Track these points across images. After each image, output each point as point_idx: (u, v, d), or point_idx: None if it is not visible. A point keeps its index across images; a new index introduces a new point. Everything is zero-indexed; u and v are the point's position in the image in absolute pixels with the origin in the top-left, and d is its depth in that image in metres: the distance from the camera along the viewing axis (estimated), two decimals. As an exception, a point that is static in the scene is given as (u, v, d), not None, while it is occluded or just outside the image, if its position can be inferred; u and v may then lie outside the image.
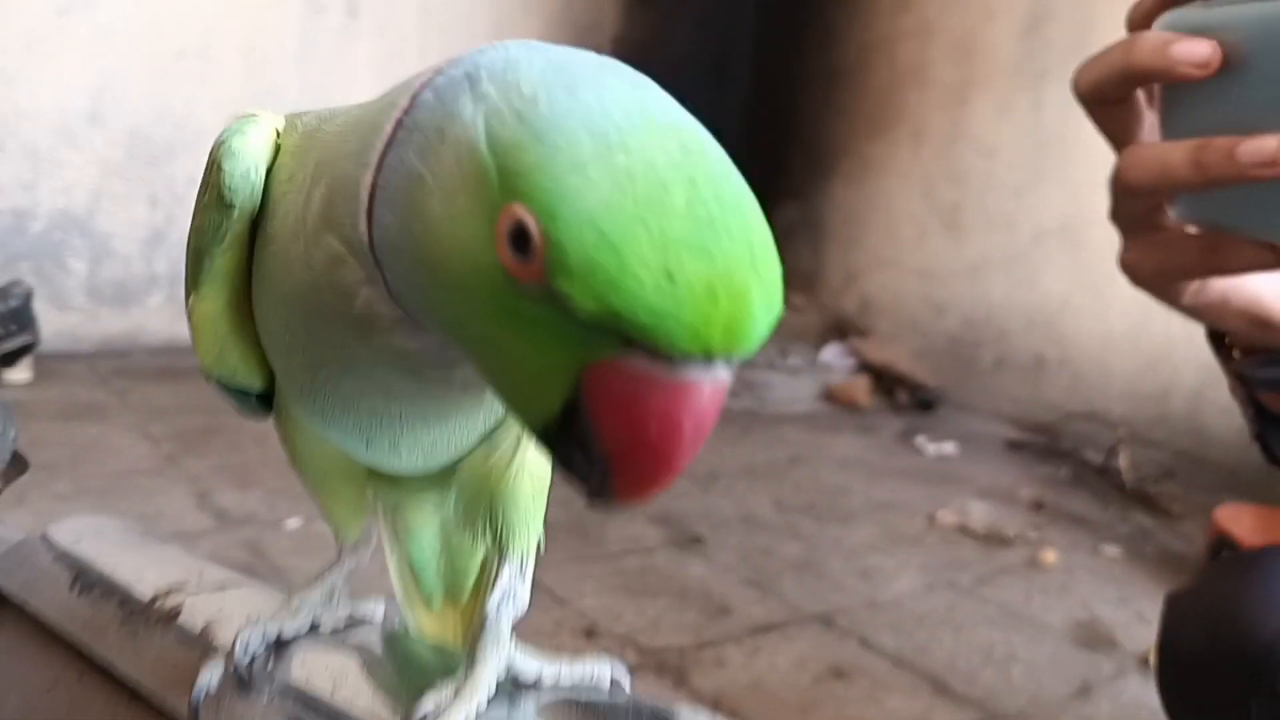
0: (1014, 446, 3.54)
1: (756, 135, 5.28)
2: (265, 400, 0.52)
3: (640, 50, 4.89)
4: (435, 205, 0.33)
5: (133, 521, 0.88)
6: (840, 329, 4.64)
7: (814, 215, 4.96)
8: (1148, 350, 3.43)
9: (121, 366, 3.53)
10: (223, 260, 0.44)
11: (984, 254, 4.19)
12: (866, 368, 4.22)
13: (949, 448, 3.45)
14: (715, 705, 1.76)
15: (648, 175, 0.30)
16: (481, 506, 0.51)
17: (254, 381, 0.49)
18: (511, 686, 0.46)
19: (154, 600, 0.55)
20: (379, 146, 0.35)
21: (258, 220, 0.43)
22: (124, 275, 3.80)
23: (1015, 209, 4.05)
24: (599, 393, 0.31)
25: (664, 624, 2.05)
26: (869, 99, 4.70)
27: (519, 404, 0.35)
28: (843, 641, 2.03)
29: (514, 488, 0.51)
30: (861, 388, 4.05)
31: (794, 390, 4.04)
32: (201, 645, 0.51)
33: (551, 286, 0.30)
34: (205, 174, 0.44)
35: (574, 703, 0.46)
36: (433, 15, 4.25)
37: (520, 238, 0.30)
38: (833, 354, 4.39)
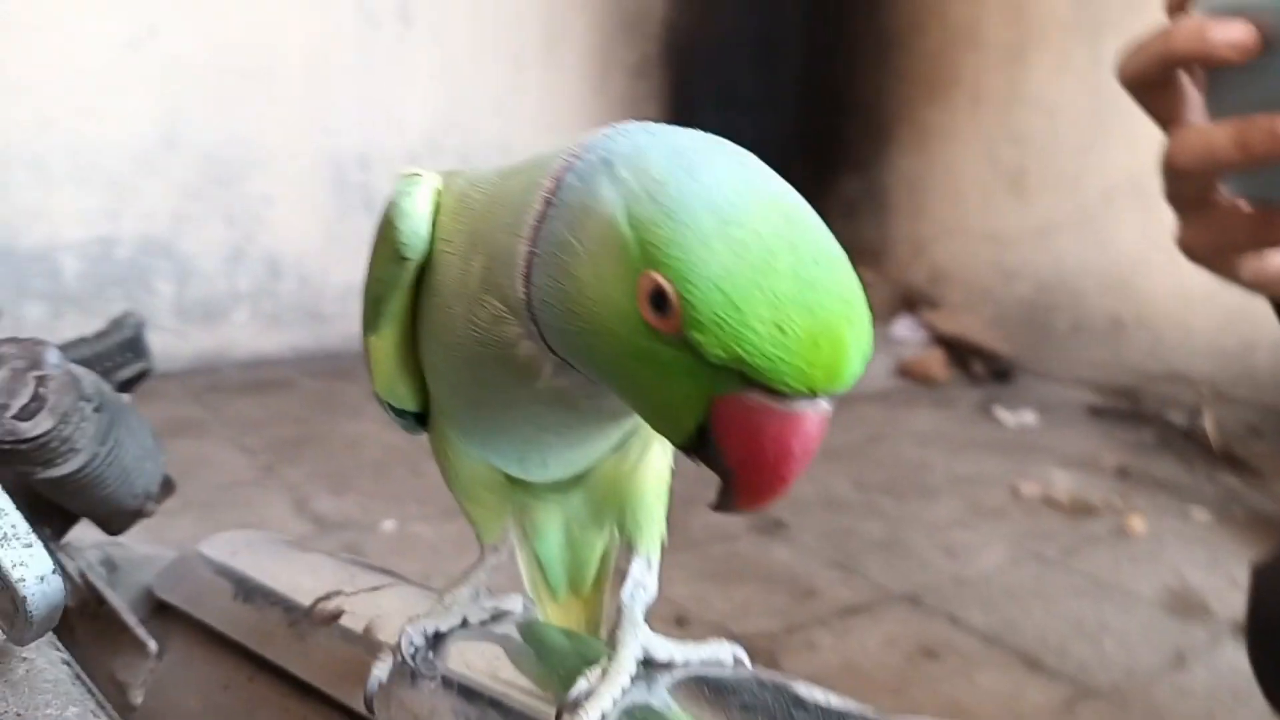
0: (1095, 412, 3.50)
1: (812, 109, 5.26)
2: (420, 418, 0.58)
3: (688, 35, 4.90)
4: (584, 269, 0.40)
5: (273, 533, 0.95)
6: (910, 302, 4.61)
7: (876, 186, 4.92)
8: (1228, 305, 3.34)
9: (213, 382, 3.67)
10: (396, 305, 0.50)
11: (1052, 216, 4.13)
12: (939, 340, 4.20)
13: (1029, 417, 3.43)
14: (809, 687, 1.79)
15: (758, 244, 0.37)
16: (611, 507, 0.58)
17: (414, 405, 0.56)
18: (647, 668, 0.52)
19: (315, 605, 0.61)
20: (531, 221, 0.42)
21: (422, 269, 0.50)
22: (208, 294, 3.94)
23: (1081, 168, 3.99)
24: (724, 421, 0.39)
25: (752, 609, 2.08)
26: (923, 63, 4.65)
27: (661, 428, 0.43)
28: (931, 620, 2.05)
29: (641, 489, 0.56)
30: (936, 361, 4.03)
31: (869, 368, 4.03)
32: (366, 643, 0.56)
33: (687, 337, 0.37)
34: (380, 230, 0.50)
35: (703, 679, 0.51)
36: (484, 18, 4.32)
37: (659, 298, 0.37)
38: (904, 328, 4.37)
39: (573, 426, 0.52)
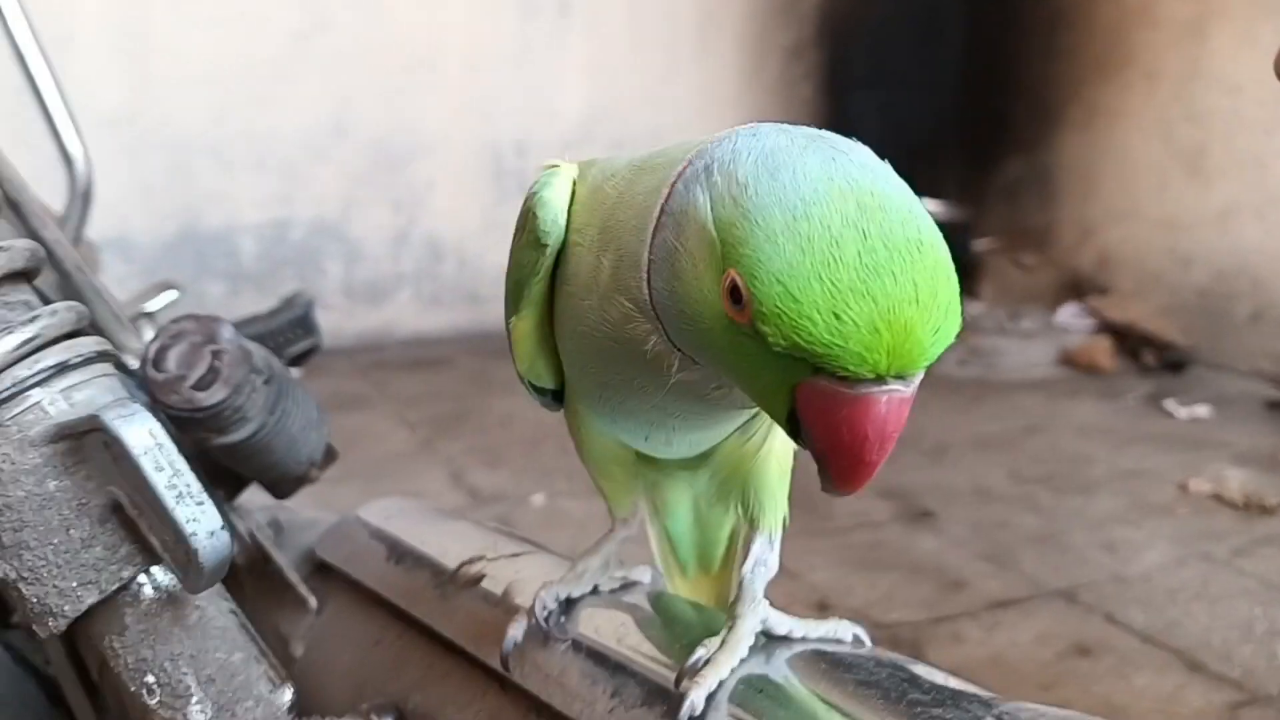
0: (1274, 406, 3.28)
1: (975, 90, 5.09)
2: (558, 396, 0.61)
3: (844, 15, 4.81)
4: (687, 271, 0.43)
5: (426, 501, 1.01)
6: (1077, 288, 4.41)
7: (1042, 168, 4.73)
8: None
9: (378, 359, 3.85)
10: (536, 289, 0.53)
11: (1233, 199, 3.88)
12: (1107, 328, 4.01)
13: (1202, 410, 3.24)
14: (953, 680, 1.76)
15: (824, 236, 0.39)
16: (735, 486, 0.59)
17: (552, 384, 0.59)
18: (766, 640, 0.54)
19: (459, 569, 0.65)
20: (650, 227, 0.45)
21: (559, 256, 0.53)
22: (374, 275, 4.13)
23: (1266, 148, 3.73)
24: (804, 406, 0.41)
25: (896, 599, 2.05)
26: (1095, 41, 4.43)
27: (766, 412, 0.45)
28: (1087, 617, 1.98)
29: (763, 469, 0.57)
30: (1102, 349, 3.85)
31: (1028, 355, 3.89)
32: (504, 606, 0.60)
33: (756, 328, 0.40)
34: (521, 219, 0.54)
35: (821, 654, 0.52)
36: (640, 5, 4.35)
37: (735, 293, 0.40)
38: (1069, 315, 4.19)
39: (699, 414, 0.54)
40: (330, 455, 0.90)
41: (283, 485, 0.86)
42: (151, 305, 1.20)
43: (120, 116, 3.51)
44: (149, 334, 0.93)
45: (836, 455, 0.41)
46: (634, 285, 0.46)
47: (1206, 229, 3.99)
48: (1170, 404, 3.31)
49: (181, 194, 3.75)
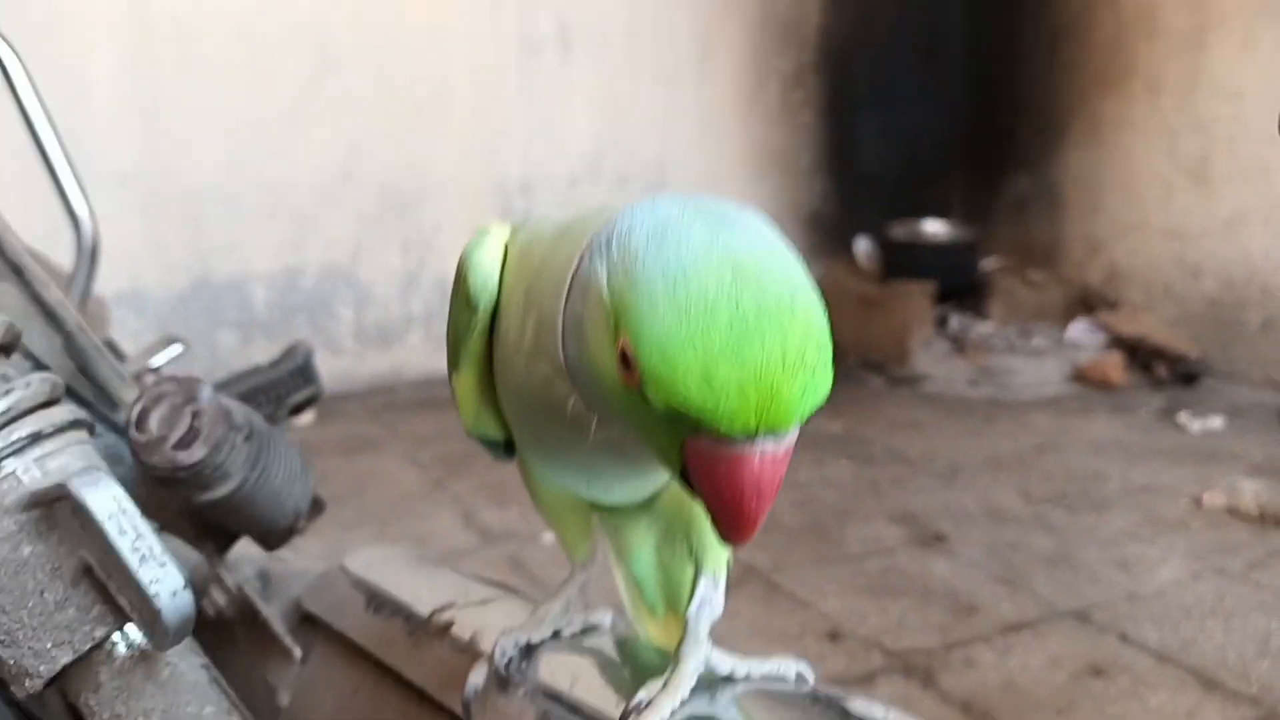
0: (1290, 416, 3.26)
1: (977, 108, 5.11)
2: (509, 448, 0.63)
3: (844, 39, 4.85)
4: (590, 337, 0.45)
5: (411, 546, 1.02)
6: (1086, 303, 4.40)
7: (1047, 184, 4.74)
8: None
9: (389, 401, 3.88)
10: (474, 346, 0.56)
11: (1240, 207, 3.87)
12: (1118, 342, 4.00)
13: (1216, 422, 3.22)
14: (966, 706, 1.75)
15: (700, 303, 0.41)
16: (679, 527, 0.62)
17: (499, 437, 0.62)
18: (711, 680, 0.55)
19: (431, 616, 0.66)
20: (564, 295, 0.48)
21: (495, 312, 0.55)
22: (385, 318, 4.18)
23: (1271, 155, 3.72)
24: (690, 462, 0.44)
25: (909, 624, 2.04)
26: (1096, 54, 4.45)
27: (665, 467, 0.47)
28: (1101, 637, 1.96)
29: (702, 512, 0.58)
30: (1114, 364, 3.83)
31: (1039, 373, 3.88)
32: (470, 652, 0.61)
33: (644, 391, 0.42)
34: (456, 279, 0.56)
35: (763, 692, 0.53)
36: (640, 39, 4.40)
37: (625, 358, 0.43)
38: (1080, 330, 4.18)
39: (626, 465, 0.57)
40: (317, 506, 0.91)
41: (271, 537, 0.88)
42: (157, 360, 1.22)
43: (132, 171, 3.58)
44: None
45: (720, 507, 0.44)
46: (552, 349, 0.48)
47: (1214, 238, 3.98)
48: (1183, 417, 3.29)
49: (193, 245, 3.82)
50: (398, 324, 4.19)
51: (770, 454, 0.42)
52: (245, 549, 0.92)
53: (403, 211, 4.14)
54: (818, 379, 0.42)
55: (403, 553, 0.85)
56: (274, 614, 0.80)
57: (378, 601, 0.72)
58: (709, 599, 0.57)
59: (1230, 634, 1.93)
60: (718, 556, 0.59)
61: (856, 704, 0.50)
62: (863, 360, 4.07)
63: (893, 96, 4.98)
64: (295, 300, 4.02)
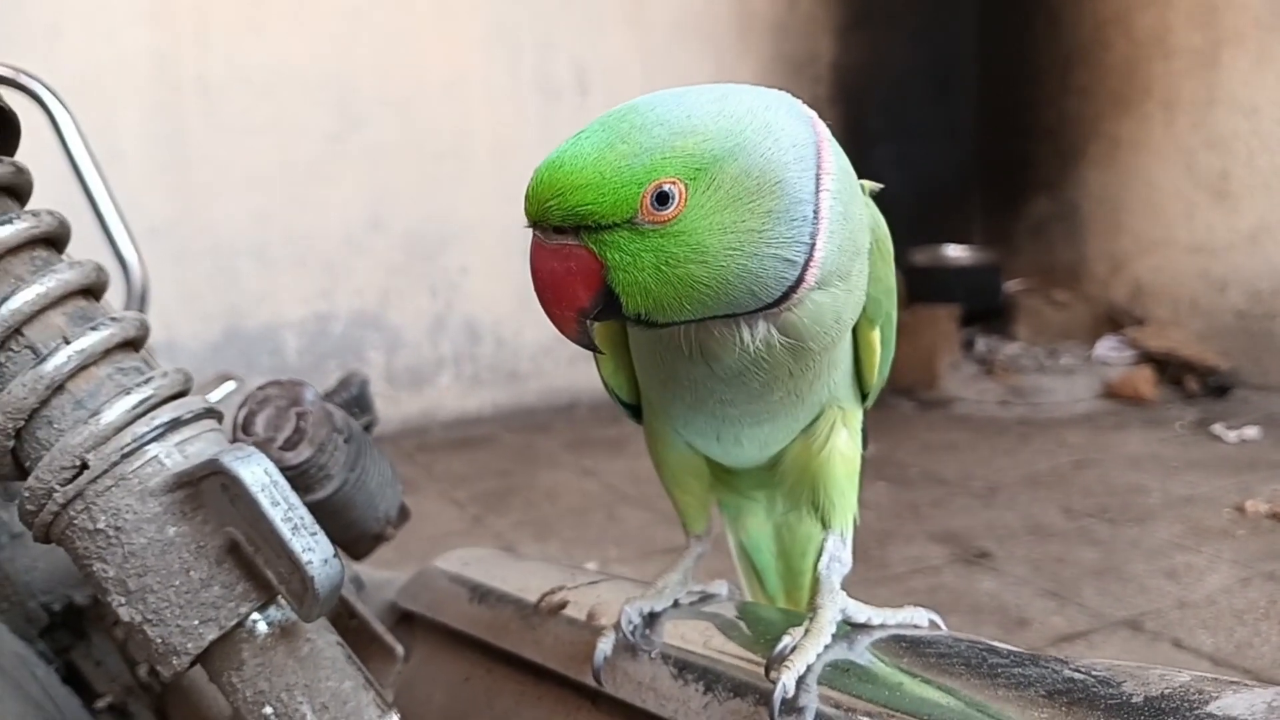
0: (1328, 422, 3.25)
1: (994, 134, 5.15)
2: (636, 413, 0.65)
3: (859, 74, 4.91)
4: None
5: (495, 548, 1.04)
6: (1113, 320, 4.41)
7: (1068, 205, 4.76)
8: None
9: (422, 442, 3.90)
10: None
11: (1261, 219, 3.88)
12: (1147, 358, 4.00)
13: (1251, 431, 3.21)
14: None
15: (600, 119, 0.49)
16: (805, 487, 0.62)
17: (628, 397, 0.63)
18: (848, 629, 0.56)
19: (542, 599, 0.68)
20: None
21: None
22: (415, 361, 4.22)
23: (1292, 167, 3.75)
24: None
25: (962, 638, 2.03)
26: (1110, 76, 4.49)
27: None
28: (1154, 645, 1.95)
29: (830, 469, 0.60)
30: (1144, 379, 3.83)
31: (1070, 391, 3.88)
32: (589, 627, 0.63)
33: None
34: None
35: (900, 637, 0.54)
36: (655, 78, 4.47)
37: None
38: (1108, 347, 4.18)
39: (751, 405, 0.57)
40: (404, 513, 0.94)
41: (360, 544, 0.90)
42: (213, 396, 1.25)
43: (164, 225, 3.65)
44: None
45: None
46: None
47: (1237, 251, 3.99)
48: (1218, 428, 3.28)
49: (225, 296, 3.87)
50: (428, 366, 4.23)
51: (539, 244, 0.49)
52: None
53: (429, 257, 4.20)
54: (576, 194, 0.47)
55: (492, 551, 0.87)
56: (371, 615, 0.81)
57: (481, 592, 0.74)
58: (838, 555, 0.59)
59: (1288, 636, 1.92)
60: (844, 515, 0.60)
61: (1000, 645, 0.51)
62: (890, 385, 4.07)
63: (908, 127, 5.03)
64: (326, 346, 4.07)
